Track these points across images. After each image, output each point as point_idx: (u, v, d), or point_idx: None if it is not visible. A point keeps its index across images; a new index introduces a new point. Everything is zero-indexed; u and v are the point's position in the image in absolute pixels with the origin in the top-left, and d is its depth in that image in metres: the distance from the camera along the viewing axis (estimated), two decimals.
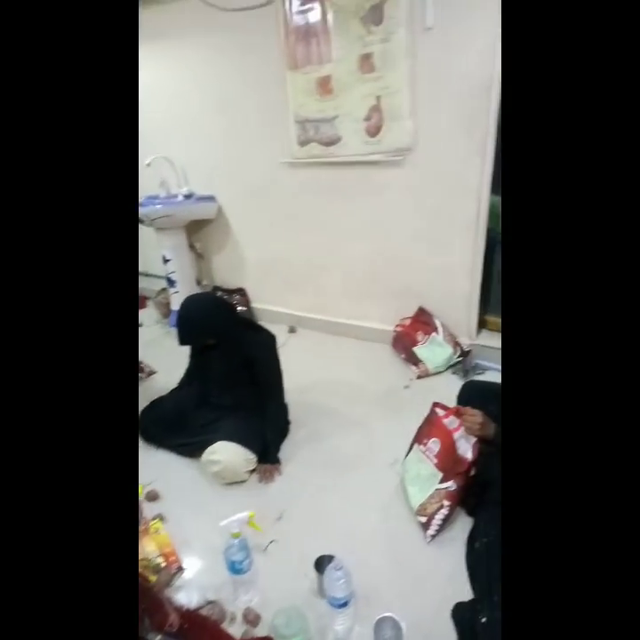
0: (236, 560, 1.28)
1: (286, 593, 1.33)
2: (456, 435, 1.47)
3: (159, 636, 0.97)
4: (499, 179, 2.19)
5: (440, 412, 1.56)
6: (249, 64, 2.46)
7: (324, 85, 2.29)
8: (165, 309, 3.15)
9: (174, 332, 1.74)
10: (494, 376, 2.20)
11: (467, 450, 1.45)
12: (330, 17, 2.16)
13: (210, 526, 1.43)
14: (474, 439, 1.46)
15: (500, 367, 2.25)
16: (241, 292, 3.17)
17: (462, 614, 1.21)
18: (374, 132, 2.24)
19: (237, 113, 2.61)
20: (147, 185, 2.75)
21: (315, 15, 2.19)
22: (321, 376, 2.39)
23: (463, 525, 1.48)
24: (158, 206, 2.76)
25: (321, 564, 1.32)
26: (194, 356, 1.97)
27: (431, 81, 2.05)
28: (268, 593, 1.34)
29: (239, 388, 1.84)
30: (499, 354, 2.29)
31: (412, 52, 2.03)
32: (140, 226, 2.65)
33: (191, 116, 2.78)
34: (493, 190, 2.14)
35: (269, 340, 1.85)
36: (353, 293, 2.68)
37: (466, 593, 1.27)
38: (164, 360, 2.56)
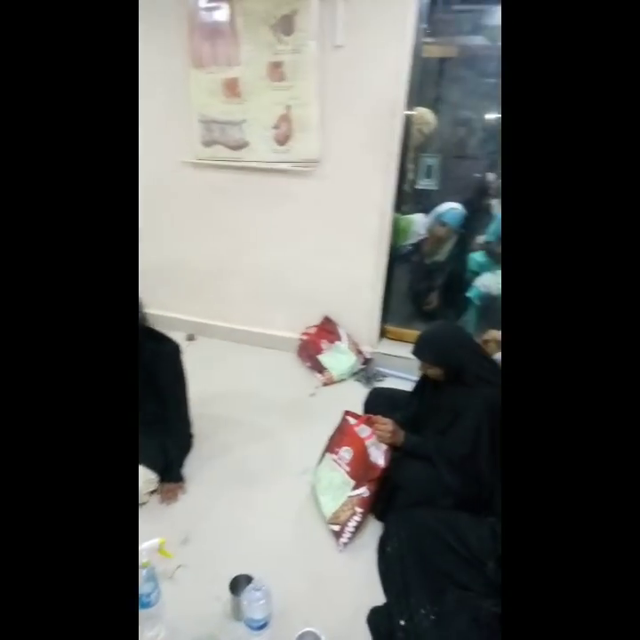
0: (142, 593, 1.17)
1: (197, 620, 1.25)
2: (368, 442, 1.51)
3: None
4: (401, 197, 2.33)
5: (351, 420, 1.59)
6: (149, 54, 2.30)
7: (232, 88, 2.23)
8: None
9: None
10: (394, 382, 2.31)
11: (378, 457, 1.50)
12: (239, 20, 2.11)
13: None
14: (384, 446, 1.52)
15: (399, 374, 2.38)
16: None
17: (378, 619, 1.24)
18: (283, 140, 2.24)
19: None
20: None
21: (222, 15, 2.13)
22: (224, 386, 2.31)
23: (373, 531, 1.52)
24: None
25: (236, 585, 1.26)
26: None
27: (340, 98, 2.11)
28: (176, 623, 1.24)
29: (140, 402, 1.69)
30: (398, 361, 2.42)
31: (322, 67, 2.07)
32: None
33: None
34: (395, 207, 2.27)
35: (174, 350, 1.74)
36: (257, 301, 2.64)
37: (380, 597, 1.31)
38: None
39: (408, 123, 2.22)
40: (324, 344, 2.43)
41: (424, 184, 2.64)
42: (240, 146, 2.32)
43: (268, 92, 2.18)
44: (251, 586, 1.14)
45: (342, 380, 2.38)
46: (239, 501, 1.65)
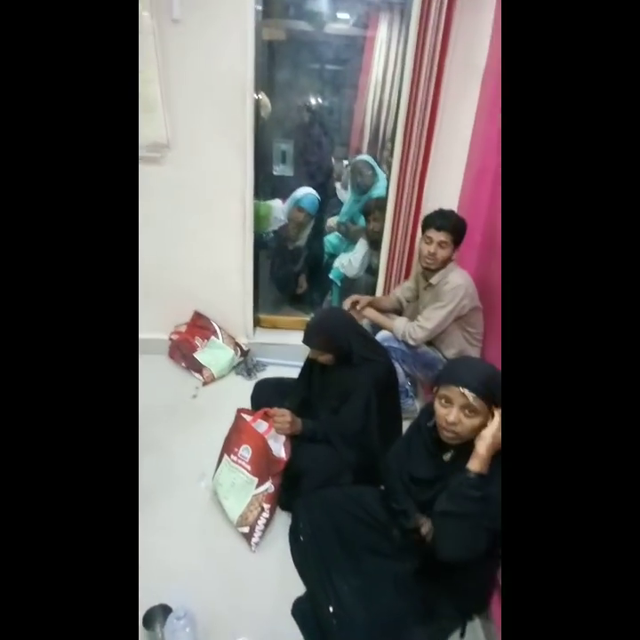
0: None
1: None
2: (267, 437, 1.49)
3: None
4: (259, 183, 2.28)
5: (247, 417, 1.55)
6: None
7: None
8: None
9: None
10: (276, 371, 2.31)
11: (279, 449, 1.49)
12: None
13: None
14: (283, 438, 1.52)
15: (279, 361, 2.39)
16: None
17: (302, 609, 1.25)
18: None
19: None
20: None
21: None
22: None
23: (281, 522, 1.52)
24: None
25: (151, 618, 1.16)
26: None
27: (186, 76, 1.97)
28: None
29: None
30: (276, 349, 2.43)
31: (162, 42, 1.91)
32: None
33: None
34: (255, 194, 2.22)
35: None
36: None
37: (300, 587, 1.31)
38: None
39: (257, 106, 2.17)
40: (197, 341, 2.31)
41: (279, 170, 2.63)
42: None
43: None
44: (172, 615, 1.05)
45: (223, 377, 2.30)
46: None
